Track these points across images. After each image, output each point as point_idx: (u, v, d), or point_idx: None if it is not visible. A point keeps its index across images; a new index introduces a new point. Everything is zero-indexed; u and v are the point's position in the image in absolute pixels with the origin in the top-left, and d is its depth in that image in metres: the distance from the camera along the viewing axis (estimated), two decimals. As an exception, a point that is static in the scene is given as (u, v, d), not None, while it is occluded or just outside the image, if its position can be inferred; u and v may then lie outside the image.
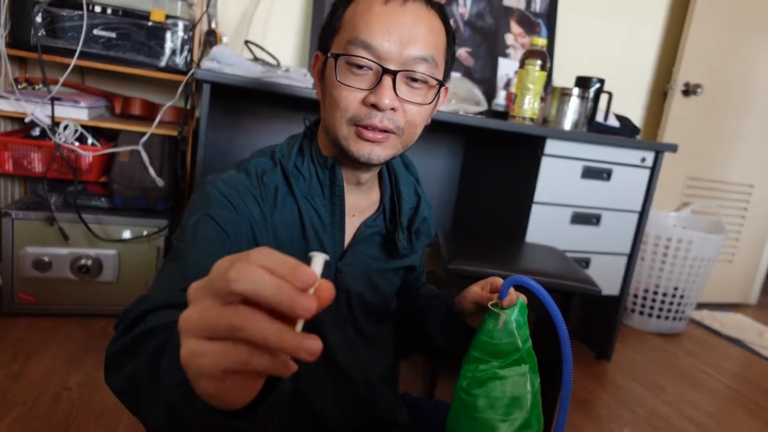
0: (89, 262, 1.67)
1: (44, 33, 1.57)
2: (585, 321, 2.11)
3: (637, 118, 2.61)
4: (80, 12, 1.56)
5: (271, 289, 0.30)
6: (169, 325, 0.47)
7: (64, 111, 1.61)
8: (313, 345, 0.31)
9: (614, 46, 2.49)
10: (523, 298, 0.70)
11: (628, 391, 1.81)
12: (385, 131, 0.68)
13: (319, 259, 0.35)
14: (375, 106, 0.66)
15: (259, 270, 0.30)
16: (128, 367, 0.48)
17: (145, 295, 0.58)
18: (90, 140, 1.65)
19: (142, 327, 0.51)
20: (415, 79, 0.68)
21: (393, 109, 0.67)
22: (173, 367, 0.38)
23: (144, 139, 1.66)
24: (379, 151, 0.69)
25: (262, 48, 1.78)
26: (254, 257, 0.31)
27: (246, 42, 1.76)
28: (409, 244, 0.82)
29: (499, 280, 0.71)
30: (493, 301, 0.69)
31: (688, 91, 2.48)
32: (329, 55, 0.70)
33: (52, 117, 1.58)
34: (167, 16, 1.63)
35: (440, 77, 0.72)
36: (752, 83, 2.60)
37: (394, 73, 0.66)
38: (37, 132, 1.65)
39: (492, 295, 0.71)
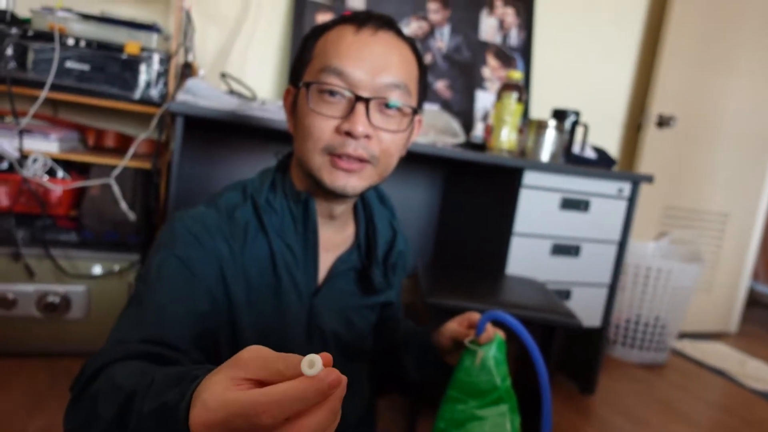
0: (57, 299, 1.61)
1: (15, 65, 1.55)
2: (568, 354, 2.08)
3: (613, 149, 2.66)
4: (52, 45, 1.54)
5: (299, 402, 0.32)
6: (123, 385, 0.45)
7: (33, 143, 1.57)
8: (332, 378, 0.32)
9: (589, 79, 2.54)
10: (501, 334, 0.68)
11: (613, 425, 1.78)
12: (361, 160, 0.67)
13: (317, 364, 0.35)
14: (349, 134, 0.65)
15: (277, 400, 0.31)
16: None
17: (102, 349, 0.55)
18: (60, 173, 1.61)
19: (96, 385, 0.48)
20: (388, 107, 0.67)
21: (367, 137, 0.66)
22: None
23: (116, 172, 1.63)
24: (354, 182, 0.67)
25: (239, 81, 1.78)
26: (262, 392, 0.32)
27: (222, 75, 1.75)
28: (384, 280, 0.79)
29: (476, 316, 0.69)
30: (470, 338, 0.67)
31: (662, 122, 2.53)
32: (301, 84, 0.69)
33: (21, 149, 1.54)
34: (142, 49, 1.62)
35: (413, 105, 0.71)
36: (723, 114, 2.66)
37: (367, 101, 0.65)
38: (5, 165, 1.61)
39: (469, 331, 0.69)
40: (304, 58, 0.71)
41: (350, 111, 0.65)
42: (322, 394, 0.32)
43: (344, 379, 0.33)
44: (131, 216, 1.65)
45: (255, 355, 0.34)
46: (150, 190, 1.71)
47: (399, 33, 0.70)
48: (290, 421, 0.32)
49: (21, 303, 1.58)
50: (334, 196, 0.69)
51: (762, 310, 3.57)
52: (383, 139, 0.68)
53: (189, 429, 0.35)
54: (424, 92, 0.76)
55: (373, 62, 0.66)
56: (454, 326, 0.72)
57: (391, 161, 0.71)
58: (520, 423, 0.68)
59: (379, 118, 0.67)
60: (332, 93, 0.66)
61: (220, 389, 0.33)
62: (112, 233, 1.67)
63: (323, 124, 0.66)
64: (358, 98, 0.65)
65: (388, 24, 0.69)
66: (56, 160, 1.61)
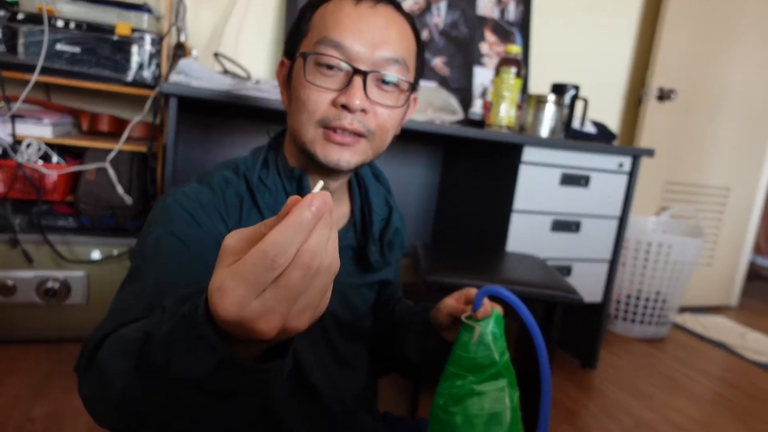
0: (56, 285, 1.61)
1: (5, 49, 1.52)
2: (569, 329, 2.09)
3: (613, 123, 2.63)
4: (41, 27, 1.51)
5: (298, 228, 0.33)
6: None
7: (26, 129, 1.55)
8: (316, 198, 0.33)
9: (589, 53, 2.51)
10: (498, 309, 0.67)
11: (615, 400, 1.79)
12: (355, 134, 0.65)
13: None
14: (345, 107, 0.64)
15: (282, 234, 0.32)
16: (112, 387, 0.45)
17: (102, 322, 0.54)
18: (55, 158, 1.60)
19: (104, 350, 0.47)
20: (386, 82, 0.66)
21: (363, 111, 0.65)
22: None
23: (111, 156, 1.61)
24: (348, 156, 0.66)
25: (232, 61, 1.75)
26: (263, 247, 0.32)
27: (216, 55, 1.73)
28: (381, 257, 0.78)
29: (473, 291, 0.68)
30: (467, 314, 0.66)
31: (663, 96, 2.50)
32: (298, 54, 0.67)
33: (13, 135, 1.52)
34: (133, 30, 1.59)
35: (411, 81, 0.69)
36: (725, 87, 2.63)
37: (364, 74, 0.64)
38: (-1, 151, 1.60)
39: (466, 307, 0.68)
40: (300, 29, 0.69)
41: (347, 84, 0.64)
42: (316, 214, 0.33)
43: (327, 194, 0.34)
44: (128, 200, 1.64)
45: (237, 236, 0.35)
46: (146, 174, 1.70)
47: (398, 7, 0.69)
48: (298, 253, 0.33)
49: (21, 289, 1.58)
50: (328, 170, 0.68)
51: (762, 283, 3.58)
52: (379, 114, 0.67)
53: (213, 326, 0.36)
54: (422, 69, 0.74)
55: (372, 36, 0.64)
56: (451, 302, 0.71)
57: (386, 137, 0.70)
58: (519, 397, 0.68)
59: (377, 92, 0.66)
60: (329, 66, 0.64)
61: (226, 271, 0.34)
62: (109, 218, 1.67)
63: (319, 97, 0.65)
64: (356, 71, 0.64)
65: None
66: (50, 145, 1.60)
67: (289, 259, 0.33)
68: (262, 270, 0.32)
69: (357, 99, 0.63)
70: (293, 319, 0.35)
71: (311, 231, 0.33)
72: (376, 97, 0.66)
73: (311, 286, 0.34)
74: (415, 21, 0.72)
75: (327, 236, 0.34)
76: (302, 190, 0.70)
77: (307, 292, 0.34)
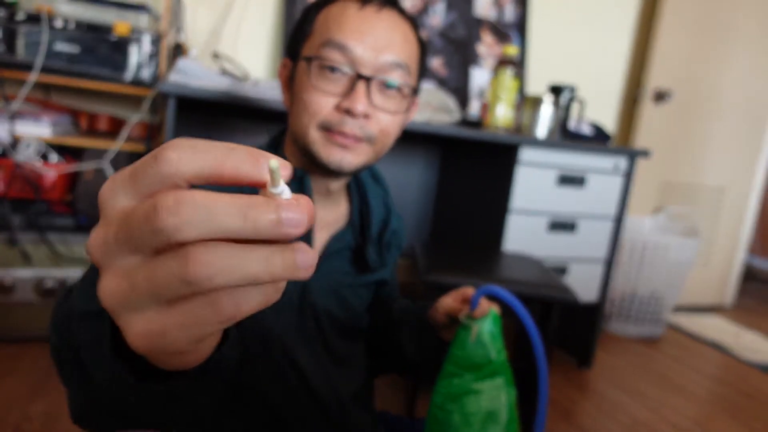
0: (54, 284, 1.61)
1: (4, 48, 1.52)
2: (566, 329, 2.10)
3: (609, 124, 2.64)
4: (40, 27, 1.51)
5: (235, 220, 0.21)
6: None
7: (25, 128, 1.55)
8: (308, 258, 0.23)
9: (585, 53, 2.52)
10: (496, 309, 0.68)
11: (611, 399, 1.80)
12: (357, 139, 0.66)
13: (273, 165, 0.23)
14: (348, 112, 0.64)
15: (203, 198, 0.21)
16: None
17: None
18: (54, 158, 1.60)
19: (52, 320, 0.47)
20: (389, 87, 0.66)
21: (366, 116, 0.65)
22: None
23: (110, 156, 1.62)
24: (350, 158, 0.67)
25: (231, 61, 1.76)
26: (173, 165, 0.22)
27: (214, 55, 1.73)
28: (379, 258, 0.79)
29: (470, 290, 0.69)
30: (464, 313, 0.67)
31: (659, 96, 2.51)
32: (302, 57, 0.68)
33: (12, 134, 1.53)
34: (132, 29, 1.59)
35: (414, 85, 0.70)
36: (720, 88, 2.65)
37: (368, 79, 0.64)
38: (-3, 150, 1.60)
39: (464, 306, 0.69)
40: (303, 30, 0.70)
41: (350, 88, 0.64)
42: (274, 224, 0.22)
43: (305, 249, 0.23)
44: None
45: (181, 143, 0.23)
46: (144, 174, 1.70)
47: (402, 12, 0.69)
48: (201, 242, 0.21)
49: (19, 288, 1.58)
50: (329, 172, 0.68)
51: (758, 283, 3.60)
52: (381, 120, 0.67)
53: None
54: (423, 73, 0.75)
55: (376, 40, 0.65)
56: (448, 301, 0.72)
57: (387, 141, 0.71)
58: (517, 396, 0.68)
59: (380, 98, 0.67)
60: (333, 69, 0.65)
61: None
62: (107, 217, 1.67)
63: (322, 100, 0.65)
64: (360, 76, 0.64)
65: (392, 2, 0.68)
66: (49, 145, 1.60)
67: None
68: (141, 235, 0.21)
69: (360, 105, 0.63)
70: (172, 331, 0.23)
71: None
72: (379, 102, 0.66)
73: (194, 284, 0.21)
74: (417, 24, 0.73)
75: (263, 255, 0.22)
76: (304, 191, 0.71)
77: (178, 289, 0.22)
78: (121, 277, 0.22)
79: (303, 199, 0.23)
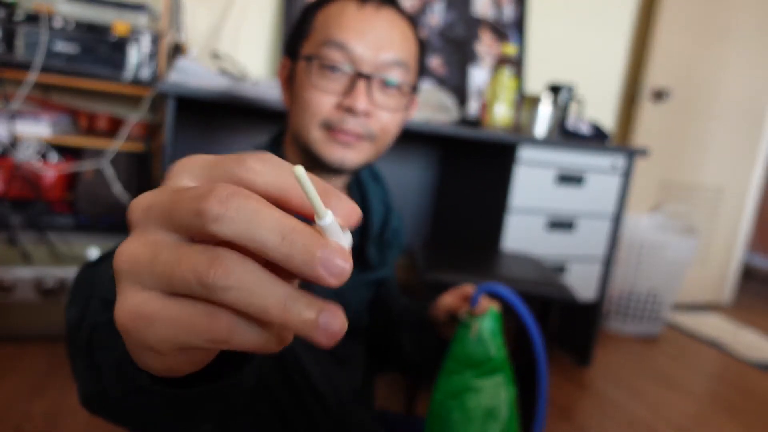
0: (55, 283, 1.61)
1: (4, 48, 1.52)
2: (564, 327, 2.11)
3: (608, 123, 2.65)
4: (40, 26, 1.52)
5: (274, 236, 0.20)
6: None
7: (25, 127, 1.56)
8: (335, 323, 0.20)
9: (584, 53, 2.52)
10: (496, 306, 0.68)
11: (609, 397, 1.81)
12: (358, 136, 0.67)
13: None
14: (349, 111, 0.65)
15: (256, 203, 0.20)
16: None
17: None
18: (54, 157, 1.60)
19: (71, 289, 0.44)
20: (388, 85, 0.67)
21: (367, 114, 0.66)
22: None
23: (109, 155, 1.62)
24: (352, 156, 0.67)
25: (230, 61, 1.76)
26: (251, 172, 0.22)
27: (214, 54, 1.73)
28: (379, 257, 0.80)
29: (470, 288, 0.70)
30: (464, 310, 0.67)
31: (657, 95, 2.52)
32: (302, 57, 0.68)
33: (12, 134, 1.53)
34: (131, 29, 1.59)
35: (413, 83, 0.71)
36: (719, 87, 2.65)
37: (368, 78, 0.65)
38: (-3, 150, 1.60)
39: (464, 304, 0.69)
40: (303, 29, 0.70)
41: (351, 87, 0.65)
42: (314, 259, 0.20)
43: (336, 312, 0.21)
44: (126, 199, 1.64)
45: (266, 158, 0.23)
46: (144, 173, 1.71)
47: (401, 11, 0.70)
48: (236, 252, 0.21)
49: (19, 288, 1.58)
50: (330, 170, 0.69)
51: (756, 282, 3.61)
52: (382, 117, 0.68)
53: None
54: (422, 71, 0.76)
55: (376, 38, 0.65)
56: (448, 299, 0.72)
57: (388, 139, 0.71)
58: (516, 394, 0.69)
59: (380, 96, 0.67)
60: (333, 68, 0.65)
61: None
62: (107, 217, 1.67)
63: (323, 99, 0.66)
64: (360, 75, 0.65)
65: (390, 1, 0.69)
66: (49, 144, 1.60)
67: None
68: (182, 214, 0.21)
69: (361, 103, 0.64)
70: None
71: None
72: (379, 100, 0.67)
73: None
74: (415, 24, 0.73)
75: (286, 294, 0.21)
76: None
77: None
78: (146, 246, 0.22)
79: (348, 255, 0.21)
